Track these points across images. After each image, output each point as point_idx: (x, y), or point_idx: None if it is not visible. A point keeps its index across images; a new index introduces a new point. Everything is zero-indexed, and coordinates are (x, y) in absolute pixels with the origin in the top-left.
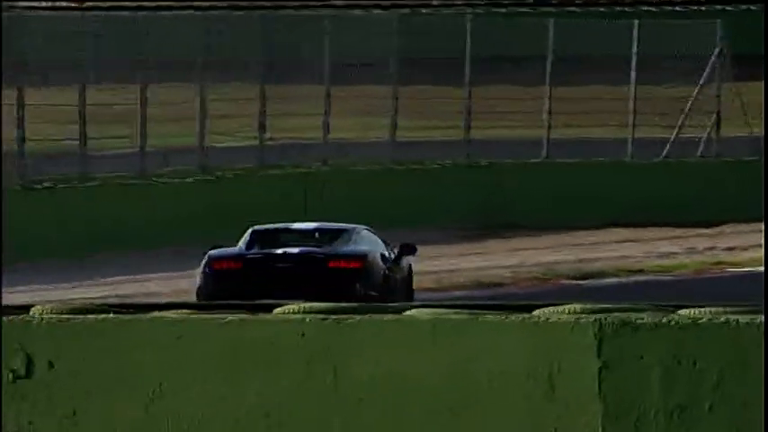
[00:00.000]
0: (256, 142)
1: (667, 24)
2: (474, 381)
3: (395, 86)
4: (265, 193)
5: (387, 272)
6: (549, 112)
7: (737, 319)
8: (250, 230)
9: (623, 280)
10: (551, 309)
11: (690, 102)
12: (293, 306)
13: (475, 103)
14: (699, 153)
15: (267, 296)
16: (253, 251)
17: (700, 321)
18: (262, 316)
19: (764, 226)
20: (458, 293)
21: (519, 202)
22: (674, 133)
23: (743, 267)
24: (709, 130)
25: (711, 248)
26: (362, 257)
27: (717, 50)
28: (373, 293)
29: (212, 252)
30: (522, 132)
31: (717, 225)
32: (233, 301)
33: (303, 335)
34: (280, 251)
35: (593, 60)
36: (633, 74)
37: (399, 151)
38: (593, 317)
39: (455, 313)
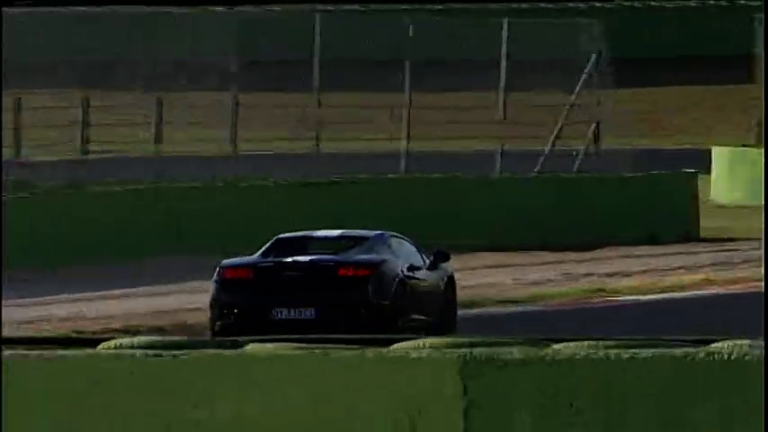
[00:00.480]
0: (77, 155)
1: (540, 24)
2: (323, 423)
3: (235, 92)
4: (88, 213)
5: (406, 280)
6: (409, 122)
7: (618, 354)
8: (274, 238)
9: (492, 310)
10: (411, 343)
11: (566, 110)
12: (124, 340)
13: (325, 111)
14: (576, 168)
15: (277, 305)
16: (265, 259)
17: (576, 357)
18: (88, 351)
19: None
20: None
21: (374, 223)
22: (549, 146)
23: (626, 296)
24: (587, 142)
25: (590, 275)
26: (373, 265)
27: (595, 54)
28: (385, 302)
29: (225, 261)
30: (378, 144)
31: (596, 248)
32: (71, 337)
33: (132, 373)
34: (289, 259)
35: (458, 64)
36: (502, 79)
37: (240, 166)
38: (457, 352)
39: (305, 348)
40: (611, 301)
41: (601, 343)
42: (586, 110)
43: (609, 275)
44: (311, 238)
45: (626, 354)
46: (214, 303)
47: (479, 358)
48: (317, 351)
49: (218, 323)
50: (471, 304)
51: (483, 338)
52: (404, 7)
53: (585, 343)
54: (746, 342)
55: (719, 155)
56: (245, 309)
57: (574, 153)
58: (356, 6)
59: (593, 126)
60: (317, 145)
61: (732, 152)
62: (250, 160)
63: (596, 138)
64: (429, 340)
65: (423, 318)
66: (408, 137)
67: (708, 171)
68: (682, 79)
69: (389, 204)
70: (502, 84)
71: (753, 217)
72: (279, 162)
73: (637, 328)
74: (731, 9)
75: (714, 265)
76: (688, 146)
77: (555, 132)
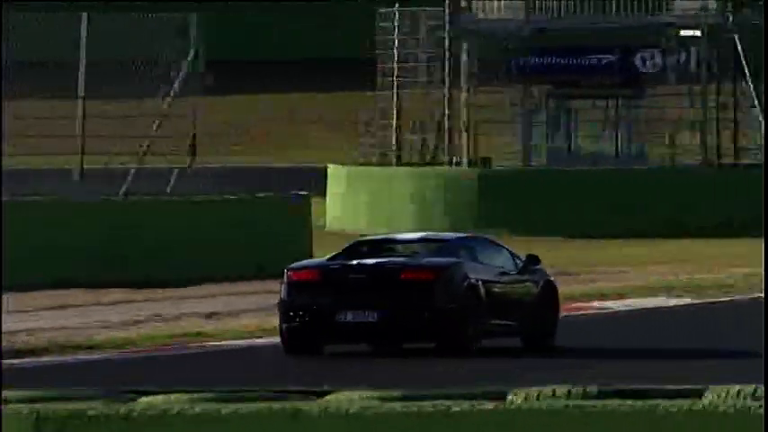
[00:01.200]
0: None
1: (125, 19)
2: None
3: None
4: None
5: (481, 284)
6: None
7: (217, 410)
8: (354, 240)
9: (66, 358)
10: None
11: (156, 121)
12: None
13: None
14: (169, 188)
15: (342, 308)
16: (332, 262)
17: (169, 412)
18: None
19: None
20: None
21: None
22: (137, 162)
23: (230, 340)
24: (182, 158)
25: (186, 315)
26: (439, 268)
27: (191, 53)
28: (451, 306)
29: (294, 263)
30: None
31: (194, 284)
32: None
33: None
34: (355, 262)
35: (31, 66)
36: (81, 85)
37: None
38: (27, 408)
39: None
40: (211, 346)
41: (197, 396)
42: (180, 120)
43: (209, 316)
44: (391, 240)
45: (226, 408)
46: (281, 306)
47: (55, 414)
48: None
49: (285, 326)
50: (42, 350)
51: (58, 391)
52: None
53: (180, 396)
54: (360, 393)
55: (336, 174)
56: (311, 311)
57: (168, 171)
58: None
59: (189, 139)
60: None
61: (351, 171)
62: None
63: (193, 153)
64: None
65: (505, 323)
66: None
67: (323, 193)
68: (294, 86)
69: None
70: (81, 91)
71: None
72: None
73: (245, 376)
74: (354, 6)
75: None
76: (300, 163)
77: (144, 147)
